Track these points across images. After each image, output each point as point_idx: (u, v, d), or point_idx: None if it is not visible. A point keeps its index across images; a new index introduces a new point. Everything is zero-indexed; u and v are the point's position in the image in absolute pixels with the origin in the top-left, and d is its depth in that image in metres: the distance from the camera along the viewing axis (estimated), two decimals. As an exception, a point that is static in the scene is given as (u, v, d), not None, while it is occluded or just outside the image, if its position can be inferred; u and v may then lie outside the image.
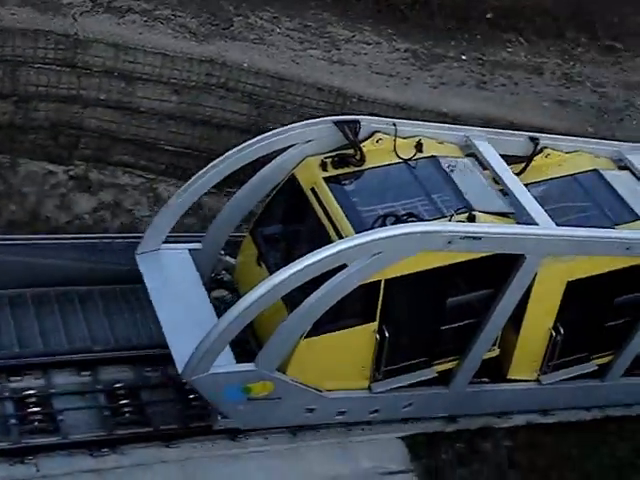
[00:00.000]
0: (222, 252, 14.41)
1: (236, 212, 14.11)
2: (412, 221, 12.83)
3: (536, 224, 13.25)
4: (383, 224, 12.81)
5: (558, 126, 19.24)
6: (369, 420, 14.18)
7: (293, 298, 12.40)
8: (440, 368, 13.93)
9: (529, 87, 19.96)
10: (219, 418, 13.02)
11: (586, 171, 14.84)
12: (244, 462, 13.51)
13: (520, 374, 14.54)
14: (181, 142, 17.62)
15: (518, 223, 13.36)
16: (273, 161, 13.88)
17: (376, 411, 14.04)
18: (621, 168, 15.24)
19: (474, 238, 12.59)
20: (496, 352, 14.07)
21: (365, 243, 12.21)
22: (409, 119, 15.24)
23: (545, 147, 14.87)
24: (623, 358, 15.10)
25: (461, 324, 13.64)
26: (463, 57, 19.90)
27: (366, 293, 12.60)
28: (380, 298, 12.72)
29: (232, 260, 14.43)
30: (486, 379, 14.53)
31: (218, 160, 13.65)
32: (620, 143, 16.09)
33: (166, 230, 13.91)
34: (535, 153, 14.78)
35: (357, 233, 12.57)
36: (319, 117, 17.16)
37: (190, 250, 14.09)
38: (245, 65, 17.48)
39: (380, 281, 12.56)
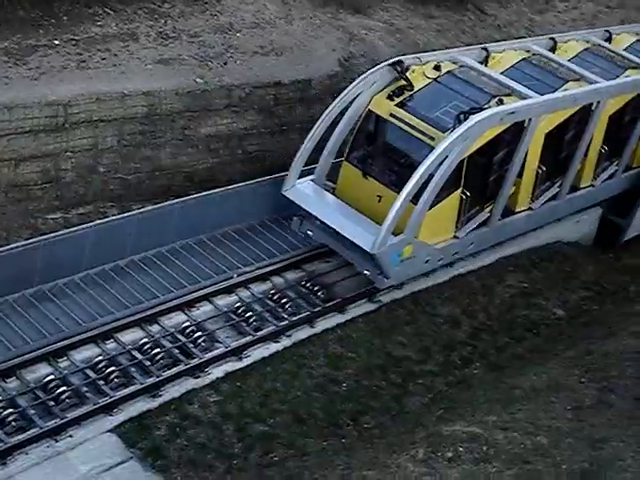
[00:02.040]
0: (324, 178, 19.38)
1: (334, 146, 19.16)
2: (476, 112, 18.39)
3: (529, 97, 19.53)
4: (459, 121, 18.24)
5: (167, 85, 19.48)
6: (452, 261, 19.85)
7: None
8: (487, 209, 19.87)
9: (129, 55, 19.94)
10: (385, 280, 18.26)
11: (520, 61, 21.29)
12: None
13: (522, 206, 20.93)
14: None
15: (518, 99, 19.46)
16: (352, 105, 19.12)
17: (456, 253, 19.71)
18: (533, 55, 21.59)
19: (512, 113, 18.91)
20: (513, 189, 20.16)
21: (461, 134, 17.94)
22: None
23: (490, 52, 21.24)
24: (568, 179, 21.63)
25: (498, 175, 19.67)
26: (56, 42, 19.48)
27: (456, 170, 18.28)
28: (464, 170, 18.56)
29: (331, 184, 19.30)
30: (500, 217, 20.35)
31: (324, 115, 18.91)
32: (528, 39, 23.49)
33: (299, 171, 18.94)
34: (488, 57, 21.07)
35: (442, 132, 18.21)
36: None
37: (312, 180, 19.13)
38: None
39: (464, 158, 18.34)
